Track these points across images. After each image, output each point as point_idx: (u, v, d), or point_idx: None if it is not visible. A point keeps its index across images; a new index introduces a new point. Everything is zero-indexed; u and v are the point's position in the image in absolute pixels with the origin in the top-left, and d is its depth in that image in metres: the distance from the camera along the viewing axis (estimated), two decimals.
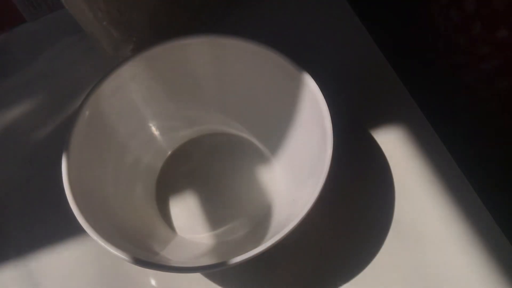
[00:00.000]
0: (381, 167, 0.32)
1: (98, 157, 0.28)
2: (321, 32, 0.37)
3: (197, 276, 0.30)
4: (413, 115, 0.34)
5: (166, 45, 0.28)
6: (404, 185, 0.31)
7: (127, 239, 0.25)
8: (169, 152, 0.33)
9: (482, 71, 0.36)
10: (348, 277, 0.29)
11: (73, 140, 0.25)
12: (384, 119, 0.34)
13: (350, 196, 0.31)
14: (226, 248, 0.29)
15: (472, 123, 0.39)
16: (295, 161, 0.30)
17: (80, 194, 0.24)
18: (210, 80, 0.31)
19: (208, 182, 0.32)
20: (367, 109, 0.34)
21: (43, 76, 0.37)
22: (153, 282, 0.29)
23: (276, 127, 0.31)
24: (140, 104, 0.30)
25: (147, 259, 0.23)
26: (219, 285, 0.29)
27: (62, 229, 0.31)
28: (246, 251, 0.23)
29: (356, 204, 0.31)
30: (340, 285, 0.29)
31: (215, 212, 0.31)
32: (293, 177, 0.30)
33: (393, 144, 0.33)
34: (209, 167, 0.33)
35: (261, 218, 0.30)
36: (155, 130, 0.32)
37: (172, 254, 0.28)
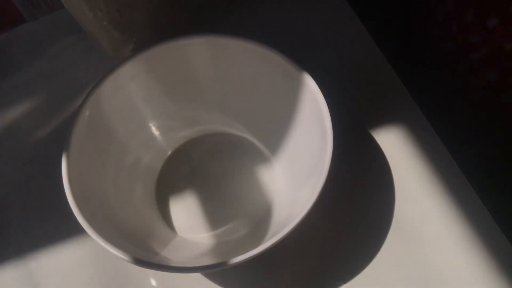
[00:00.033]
0: (381, 167, 0.32)
1: (98, 157, 0.28)
2: (321, 32, 0.37)
3: (197, 276, 0.30)
4: (413, 115, 0.34)
5: (166, 45, 0.28)
6: (404, 185, 0.31)
7: (127, 239, 0.25)
8: (169, 152, 0.33)
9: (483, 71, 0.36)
10: (348, 277, 0.29)
11: (73, 140, 0.25)
12: (384, 119, 0.34)
13: (350, 196, 0.31)
14: (226, 248, 0.29)
15: (472, 123, 0.39)
16: (295, 161, 0.30)
17: (80, 194, 0.24)
18: (210, 80, 0.31)
19: (208, 182, 0.32)
20: (367, 109, 0.34)
21: (43, 76, 0.37)
22: (153, 282, 0.29)
23: (276, 127, 0.31)
24: (140, 104, 0.30)
25: (147, 259, 0.23)
26: (219, 285, 0.29)
27: (62, 229, 0.31)
28: (246, 251, 0.23)
29: (356, 204, 0.31)
30: (340, 285, 0.29)
31: (215, 212, 0.31)
32: (293, 177, 0.30)
33: (393, 144, 0.33)
34: (209, 167, 0.33)
35: (261, 218, 0.30)
36: (155, 130, 0.32)
37: (172, 254, 0.28)
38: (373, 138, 0.33)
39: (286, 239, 0.23)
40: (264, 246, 0.23)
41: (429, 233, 0.30)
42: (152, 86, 0.30)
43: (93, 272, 0.30)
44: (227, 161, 0.33)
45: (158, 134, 0.32)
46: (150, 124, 0.32)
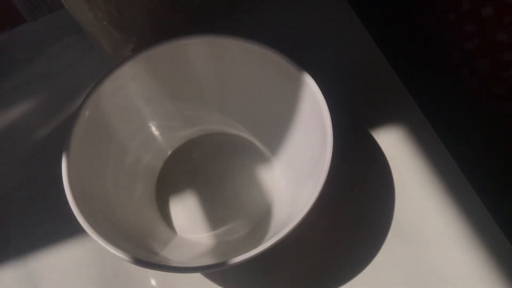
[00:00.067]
0: (381, 167, 0.32)
1: (98, 157, 0.28)
2: (321, 32, 0.37)
3: (197, 276, 0.30)
4: (413, 115, 0.34)
5: (166, 45, 0.28)
6: (404, 185, 0.31)
7: (127, 239, 0.25)
8: (169, 152, 0.33)
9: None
10: (348, 277, 0.29)
11: (73, 140, 0.25)
12: (384, 119, 0.34)
13: (350, 196, 0.31)
14: (226, 248, 0.29)
15: (472, 123, 0.39)
16: (295, 161, 0.30)
17: (80, 194, 0.24)
18: (210, 80, 0.31)
19: (208, 182, 0.32)
20: (367, 109, 0.34)
21: (43, 76, 0.37)
22: (153, 282, 0.29)
23: (276, 127, 0.31)
24: (140, 104, 0.30)
25: (147, 259, 0.23)
26: (219, 285, 0.29)
27: (62, 229, 0.31)
28: (246, 251, 0.23)
29: (356, 204, 0.31)
30: (340, 285, 0.29)
31: (215, 212, 0.31)
32: (293, 177, 0.30)
33: (393, 144, 0.33)
34: (209, 167, 0.33)
35: (261, 218, 0.30)
36: (155, 130, 0.32)
37: (172, 254, 0.28)
38: (373, 138, 0.33)
39: (286, 239, 0.23)
40: (264, 246, 0.23)
41: (429, 233, 0.30)
42: (152, 86, 0.30)
43: (93, 272, 0.30)
44: (227, 161, 0.33)
45: (158, 134, 0.32)
46: (150, 124, 0.32)
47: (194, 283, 0.29)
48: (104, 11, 0.30)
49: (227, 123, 0.33)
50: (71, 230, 0.30)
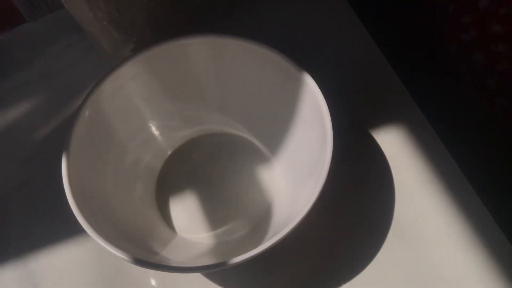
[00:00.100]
0: (381, 167, 0.32)
1: (98, 157, 0.28)
2: (321, 32, 0.37)
3: (197, 276, 0.30)
4: (413, 115, 0.34)
5: (166, 45, 0.28)
6: (404, 185, 0.31)
7: (127, 239, 0.25)
8: (169, 152, 0.33)
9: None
10: (348, 277, 0.29)
11: (73, 140, 0.25)
12: (384, 119, 0.34)
13: (350, 196, 0.31)
14: (226, 248, 0.29)
15: (472, 123, 0.39)
16: (295, 161, 0.30)
17: (80, 194, 0.24)
18: (210, 80, 0.31)
19: (208, 182, 0.32)
20: (367, 109, 0.34)
21: (43, 76, 0.37)
22: (153, 282, 0.29)
23: (276, 127, 0.31)
24: (140, 104, 0.30)
25: (147, 259, 0.23)
26: (219, 285, 0.29)
27: (62, 229, 0.31)
28: (246, 251, 0.23)
29: (356, 204, 0.31)
30: (340, 285, 0.29)
31: (215, 212, 0.31)
32: (293, 177, 0.30)
33: (393, 144, 0.33)
34: (209, 167, 0.33)
35: (261, 218, 0.30)
36: (155, 130, 0.32)
37: (172, 254, 0.28)
38: (373, 138, 0.33)
39: (286, 239, 0.23)
40: (264, 246, 0.23)
41: (429, 233, 0.30)
42: (152, 86, 0.30)
43: (93, 272, 0.30)
44: (227, 161, 0.33)
45: (158, 134, 0.32)
46: (150, 124, 0.32)
47: (194, 283, 0.29)
48: (104, 11, 0.30)
49: (227, 123, 0.33)
50: (71, 230, 0.30)
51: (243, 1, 0.38)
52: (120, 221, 0.27)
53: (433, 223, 0.30)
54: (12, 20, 0.38)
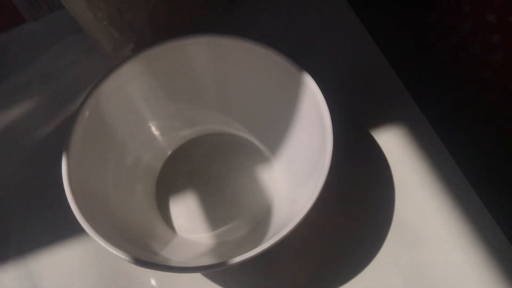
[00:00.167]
0: (381, 167, 0.32)
1: (98, 157, 0.28)
2: (321, 32, 0.37)
3: (197, 276, 0.30)
4: (413, 115, 0.34)
5: (166, 45, 0.28)
6: (404, 185, 0.31)
7: (127, 239, 0.25)
8: (169, 152, 0.33)
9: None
10: (348, 277, 0.29)
11: (73, 140, 0.25)
12: (384, 119, 0.34)
13: (350, 196, 0.31)
14: (226, 248, 0.29)
15: (472, 123, 0.39)
16: (295, 161, 0.30)
17: (80, 194, 0.24)
18: (210, 80, 0.31)
19: (208, 182, 0.32)
20: (367, 109, 0.34)
21: (43, 76, 0.37)
22: (153, 282, 0.29)
23: (276, 127, 0.31)
24: (140, 104, 0.30)
25: (147, 259, 0.23)
26: (219, 285, 0.29)
27: (62, 229, 0.31)
28: (246, 251, 0.23)
29: (356, 204, 0.31)
30: (340, 285, 0.29)
31: (215, 212, 0.31)
32: (293, 177, 0.30)
33: (393, 144, 0.33)
34: (209, 167, 0.33)
35: (261, 218, 0.30)
36: (155, 130, 0.32)
37: (172, 254, 0.28)
38: (373, 138, 0.33)
39: (286, 239, 0.23)
40: (264, 246, 0.23)
41: (429, 233, 0.30)
42: (152, 86, 0.30)
43: (93, 272, 0.30)
44: (227, 161, 0.33)
45: (158, 134, 0.32)
46: (150, 124, 0.32)
47: (194, 283, 0.29)
48: (104, 11, 0.30)
49: (227, 123, 0.33)
50: (71, 230, 0.30)
51: (243, 1, 0.38)
52: (120, 221, 0.27)
53: (433, 223, 0.30)
54: (12, 20, 0.38)
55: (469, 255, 0.29)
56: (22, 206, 0.32)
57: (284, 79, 0.28)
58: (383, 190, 0.31)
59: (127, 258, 0.22)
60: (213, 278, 0.29)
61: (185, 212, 0.31)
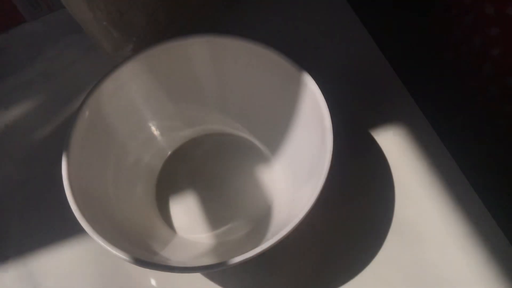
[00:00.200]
0: (381, 167, 0.32)
1: (98, 157, 0.28)
2: (321, 32, 0.37)
3: (197, 276, 0.30)
4: (413, 115, 0.34)
5: (166, 45, 0.28)
6: (404, 185, 0.31)
7: (127, 239, 0.25)
8: (169, 152, 0.33)
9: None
10: (348, 277, 0.29)
11: (73, 140, 0.25)
12: (384, 119, 0.34)
13: (350, 196, 0.31)
14: (226, 248, 0.29)
15: (472, 123, 0.39)
16: (295, 161, 0.30)
17: (80, 194, 0.24)
18: (210, 80, 0.31)
19: (208, 182, 0.32)
20: (367, 109, 0.34)
21: (43, 76, 0.37)
22: (153, 282, 0.29)
23: (276, 127, 0.31)
24: (140, 104, 0.30)
25: (147, 259, 0.23)
26: (219, 285, 0.29)
27: (62, 229, 0.31)
28: (246, 251, 0.23)
29: (356, 204, 0.31)
30: (340, 285, 0.29)
31: (215, 212, 0.31)
32: (293, 177, 0.30)
33: (393, 144, 0.33)
34: (209, 167, 0.33)
35: (261, 218, 0.30)
36: (155, 130, 0.32)
37: (172, 254, 0.28)
38: (373, 138, 0.33)
39: (286, 239, 0.23)
40: (264, 246, 0.23)
41: (429, 233, 0.30)
42: (152, 86, 0.30)
43: (93, 272, 0.30)
44: (227, 161, 0.33)
45: (158, 134, 0.32)
46: (150, 124, 0.32)
47: (194, 283, 0.29)
48: (104, 11, 0.30)
49: (227, 123, 0.33)
50: (71, 230, 0.30)
51: (243, 1, 0.38)
52: (120, 221, 0.27)
53: (433, 223, 0.30)
54: (12, 20, 0.38)
55: (469, 255, 0.29)
56: (22, 206, 0.32)
57: (284, 79, 0.28)
58: (383, 190, 0.31)
59: (127, 258, 0.22)
60: (213, 278, 0.29)
61: (185, 212, 0.31)
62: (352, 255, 0.30)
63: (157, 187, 0.32)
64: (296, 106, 0.28)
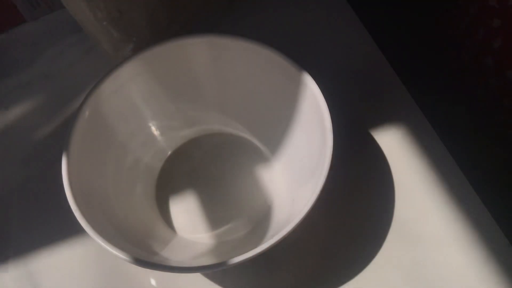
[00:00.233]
0: (381, 167, 0.32)
1: (98, 157, 0.28)
2: (321, 32, 0.37)
3: (197, 276, 0.30)
4: (413, 115, 0.34)
5: (166, 45, 0.28)
6: (404, 185, 0.31)
7: (127, 239, 0.25)
8: (169, 152, 0.33)
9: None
10: (348, 277, 0.29)
11: (73, 140, 0.25)
12: (384, 119, 0.34)
13: (350, 196, 0.31)
14: (226, 248, 0.29)
15: (472, 123, 0.39)
16: (295, 161, 0.30)
17: (80, 194, 0.24)
18: (210, 80, 0.31)
19: (208, 182, 0.32)
20: (367, 109, 0.34)
21: (43, 76, 0.37)
22: (153, 282, 0.29)
23: (276, 127, 0.31)
24: (140, 104, 0.30)
25: (147, 259, 0.23)
26: (219, 285, 0.29)
27: (62, 229, 0.31)
28: (246, 251, 0.23)
29: (356, 204, 0.31)
30: (340, 285, 0.29)
31: (215, 212, 0.31)
32: (293, 177, 0.30)
33: (393, 144, 0.33)
34: (209, 167, 0.33)
35: (261, 218, 0.30)
36: (155, 130, 0.32)
37: (172, 254, 0.28)
38: (373, 138, 0.33)
39: (286, 239, 0.23)
40: (264, 246, 0.23)
41: (429, 233, 0.30)
42: (152, 86, 0.30)
43: (93, 272, 0.30)
44: (227, 161, 0.33)
45: (158, 134, 0.32)
46: (150, 124, 0.32)
47: (194, 283, 0.29)
48: (104, 11, 0.30)
49: (227, 123, 0.33)
50: (71, 230, 0.30)
51: (243, 1, 0.38)
52: (120, 221, 0.27)
53: (433, 223, 0.30)
54: (12, 20, 0.38)
55: (469, 255, 0.29)
56: (22, 206, 0.32)
57: (284, 79, 0.28)
58: (383, 190, 0.31)
59: (127, 258, 0.22)
60: (213, 278, 0.29)
61: (185, 212, 0.31)
62: (352, 255, 0.30)
63: (157, 187, 0.32)
64: (296, 106, 0.28)
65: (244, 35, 0.28)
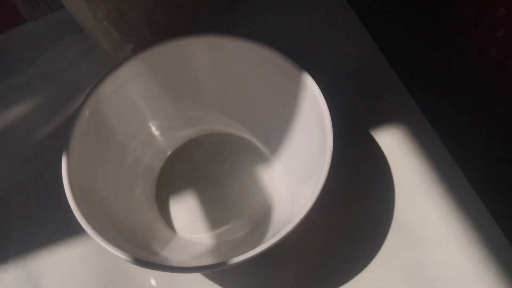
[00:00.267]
0: (381, 167, 0.32)
1: (98, 157, 0.28)
2: (321, 32, 0.37)
3: (197, 276, 0.30)
4: (413, 115, 0.34)
5: (166, 45, 0.28)
6: (404, 185, 0.31)
7: (127, 239, 0.25)
8: (169, 152, 0.33)
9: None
10: (348, 277, 0.29)
11: (73, 140, 0.25)
12: (384, 119, 0.34)
13: (350, 196, 0.31)
14: (226, 248, 0.29)
15: (472, 123, 0.39)
16: (295, 161, 0.30)
17: (80, 194, 0.24)
18: (210, 80, 0.31)
19: (208, 182, 0.32)
20: (367, 109, 0.34)
21: (43, 76, 0.37)
22: (153, 282, 0.29)
23: (276, 127, 0.31)
24: (140, 104, 0.30)
25: (147, 259, 0.23)
26: (219, 285, 0.29)
27: (62, 229, 0.31)
28: (246, 251, 0.22)
29: (356, 204, 0.31)
30: (340, 285, 0.29)
31: (215, 212, 0.31)
32: (293, 177, 0.30)
33: (393, 144, 0.33)
34: (209, 167, 0.33)
35: (261, 218, 0.30)
36: (155, 130, 0.32)
37: (172, 254, 0.28)
38: (373, 138, 0.33)
39: (286, 239, 0.23)
40: (264, 246, 0.23)
41: (429, 233, 0.30)
42: (152, 86, 0.30)
43: (93, 272, 0.30)
44: (227, 161, 0.33)
45: (158, 134, 0.32)
46: (150, 124, 0.32)
47: (194, 283, 0.29)
48: (104, 11, 0.30)
49: (227, 123, 0.33)
50: (71, 230, 0.30)
51: (243, 1, 0.38)
52: (120, 221, 0.27)
53: (433, 223, 0.30)
54: (12, 20, 0.38)
55: (469, 255, 0.29)
56: (22, 206, 0.32)
57: (284, 79, 0.28)
58: (383, 190, 0.31)
59: (127, 258, 0.22)
60: (213, 278, 0.29)
61: (185, 212, 0.31)
62: (352, 255, 0.30)
63: (157, 187, 0.32)
64: (296, 106, 0.28)
65: (244, 35, 0.28)
